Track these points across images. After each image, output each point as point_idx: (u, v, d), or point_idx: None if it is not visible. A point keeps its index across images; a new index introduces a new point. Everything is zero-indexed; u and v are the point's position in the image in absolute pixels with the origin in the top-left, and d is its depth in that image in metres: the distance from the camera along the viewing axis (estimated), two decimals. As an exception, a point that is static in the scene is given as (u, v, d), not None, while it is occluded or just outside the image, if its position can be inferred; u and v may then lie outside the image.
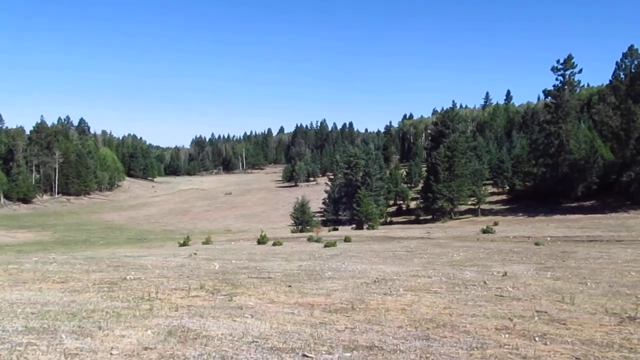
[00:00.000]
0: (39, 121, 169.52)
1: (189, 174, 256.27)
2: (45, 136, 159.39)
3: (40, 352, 6.61)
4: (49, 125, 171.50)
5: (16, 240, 78.64)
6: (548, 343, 7.77)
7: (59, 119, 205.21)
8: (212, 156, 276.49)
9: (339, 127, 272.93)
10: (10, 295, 11.03)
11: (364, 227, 74.44)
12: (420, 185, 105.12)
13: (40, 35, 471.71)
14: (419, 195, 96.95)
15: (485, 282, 14.08)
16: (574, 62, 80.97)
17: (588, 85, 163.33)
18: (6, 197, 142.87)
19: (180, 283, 13.35)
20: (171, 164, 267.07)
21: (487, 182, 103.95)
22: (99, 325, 8.15)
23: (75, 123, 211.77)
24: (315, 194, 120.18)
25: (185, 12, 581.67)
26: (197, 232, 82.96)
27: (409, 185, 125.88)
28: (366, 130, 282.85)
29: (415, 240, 38.32)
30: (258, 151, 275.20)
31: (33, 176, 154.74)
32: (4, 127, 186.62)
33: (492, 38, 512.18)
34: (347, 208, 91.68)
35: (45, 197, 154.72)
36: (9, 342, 7.04)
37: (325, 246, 31.70)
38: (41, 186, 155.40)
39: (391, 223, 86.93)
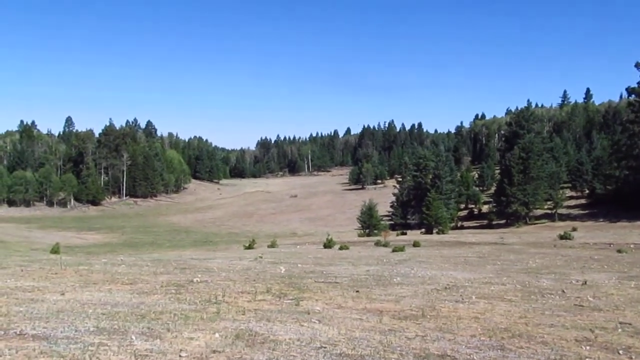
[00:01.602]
0: (108, 124, 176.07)
1: (254, 176, 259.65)
2: (114, 139, 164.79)
3: (112, 352, 6.84)
4: (117, 128, 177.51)
5: (86, 241, 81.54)
6: (633, 357, 7.51)
7: (127, 121, 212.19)
8: (278, 158, 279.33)
9: (408, 127, 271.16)
10: (81, 295, 11.46)
11: (434, 231, 73.60)
12: (493, 189, 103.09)
13: (110, 40, 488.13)
14: (491, 199, 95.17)
15: (563, 291, 13.72)
16: (660, 58, 77.89)
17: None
18: (76, 199, 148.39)
19: (247, 286, 13.55)
20: (236, 166, 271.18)
21: (565, 185, 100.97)
22: (167, 327, 8.38)
23: (143, 126, 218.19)
24: (383, 197, 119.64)
25: (247, 15, 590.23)
26: (263, 235, 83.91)
27: (481, 188, 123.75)
28: (436, 131, 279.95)
29: (488, 245, 37.69)
30: (324, 153, 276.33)
31: (102, 178, 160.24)
32: (74, 130, 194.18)
33: (571, 34, 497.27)
34: (415, 212, 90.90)
35: (114, 199, 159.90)
36: (82, 342, 7.32)
37: (394, 251, 31.60)
38: (109, 188, 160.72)
39: (462, 228, 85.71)
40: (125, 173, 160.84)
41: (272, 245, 42.11)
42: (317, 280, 15.29)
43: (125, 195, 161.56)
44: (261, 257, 25.72)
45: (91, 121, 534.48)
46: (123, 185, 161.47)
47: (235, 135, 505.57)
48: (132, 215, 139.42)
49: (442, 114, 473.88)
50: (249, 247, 40.94)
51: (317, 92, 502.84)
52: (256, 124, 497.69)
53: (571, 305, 11.60)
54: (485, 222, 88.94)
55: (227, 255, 30.85)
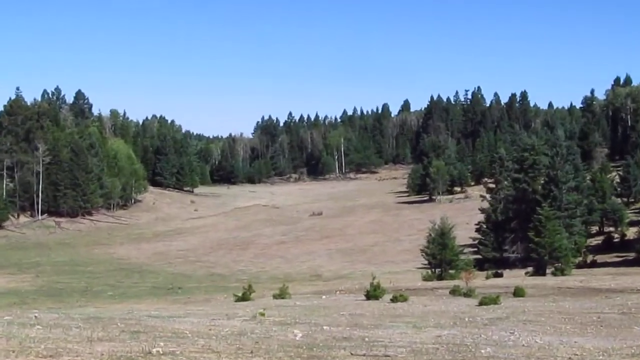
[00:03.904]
0: (13, 97, 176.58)
1: (251, 180, 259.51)
2: (23, 121, 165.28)
3: None
4: (28, 104, 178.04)
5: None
6: None
7: (44, 93, 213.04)
8: (290, 151, 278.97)
9: (504, 100, 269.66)
10: (-29, 376, 11.58)
11: (548, 271, 73.24)
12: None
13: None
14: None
15: None
16: None
17: None
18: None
19: (239, 362, 13.60)
20: (222, 164, 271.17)
21: None
22: None
23: (70, 99, 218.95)
24: (464, 214, 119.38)
25: None
26: (266, 279, 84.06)
27: (625, 199, 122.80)
28: (550, 105, 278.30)
29: (637, 294, 37.45)
30: (366, 142, 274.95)
31: (3, 186, 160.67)
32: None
33: None
34: (517, 239, 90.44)
35: (23, 219, 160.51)
36: None
37: (481, 304, 31.53)
38: (16, 202, 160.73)
39: (594, 265, 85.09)
40: (41, 176, 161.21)
41: (281, 294, 42.20)
42: (356, 353, 15.31)
43: (42, 213, 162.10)
44: (263, 315, 25.78)
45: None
46: (38, 196, 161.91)
47: (219, 114, 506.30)
48: (52, 244, 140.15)
49: (559, 78, 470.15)
50: (244, 299, 41.08)
51: (352, 45, 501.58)
52: (254, 96, 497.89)
53: None
54: (632, 254, 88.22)
55: (208, 310, 30.97)
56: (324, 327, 21.15)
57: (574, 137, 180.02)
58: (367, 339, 17.94)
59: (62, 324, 20.27)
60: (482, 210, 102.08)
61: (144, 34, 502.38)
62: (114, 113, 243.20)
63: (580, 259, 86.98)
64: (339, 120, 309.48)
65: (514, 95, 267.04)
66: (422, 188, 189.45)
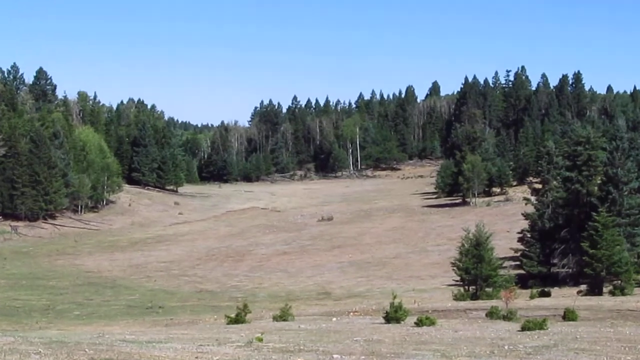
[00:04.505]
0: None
1: (247, 178, 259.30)
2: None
3: None
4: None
5: None
6: None
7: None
8: (294, 143, 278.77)
9: (553, 83, 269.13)
10: None
11: (605, 289, 73.24)
12: None
13: None
14: None
15: None
16: None
17: None
18: None
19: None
20: (213, 158, 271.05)
21: None
22: None
23: (29, 79, 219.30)
24: (504, 220, 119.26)
25: None
26: (264, 297, 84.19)
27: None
28: (609, 89, 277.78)
29: None
30: (386, 133, 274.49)
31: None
32: None
33: None
34: (568, 250, 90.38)
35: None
36: None
37: (524, 329, 31.58)
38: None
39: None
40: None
41: (283, 316, 42.29)
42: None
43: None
44: (260, 340, 25.86)
45: None
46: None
47: (208, 98, 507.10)
48: (7, 253, 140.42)
49: (620, 57, 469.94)
50: (237, 321, 41.15)
51: (367, 17, 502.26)
52: (250, 78, 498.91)
53: None
54: None
55: (194, 335, 31.06)
56: (334, 356, 21.23)
57: (638, 127, 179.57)
58: (386, 371, 18.00)
59: (19, 349, 20.36)
60: (526, 216, 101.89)
61: (118, 1, 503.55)
62: (82, 96, 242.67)
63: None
64: (353, 106, 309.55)
65: (565, 77, 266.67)
66: (453, 189, 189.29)
